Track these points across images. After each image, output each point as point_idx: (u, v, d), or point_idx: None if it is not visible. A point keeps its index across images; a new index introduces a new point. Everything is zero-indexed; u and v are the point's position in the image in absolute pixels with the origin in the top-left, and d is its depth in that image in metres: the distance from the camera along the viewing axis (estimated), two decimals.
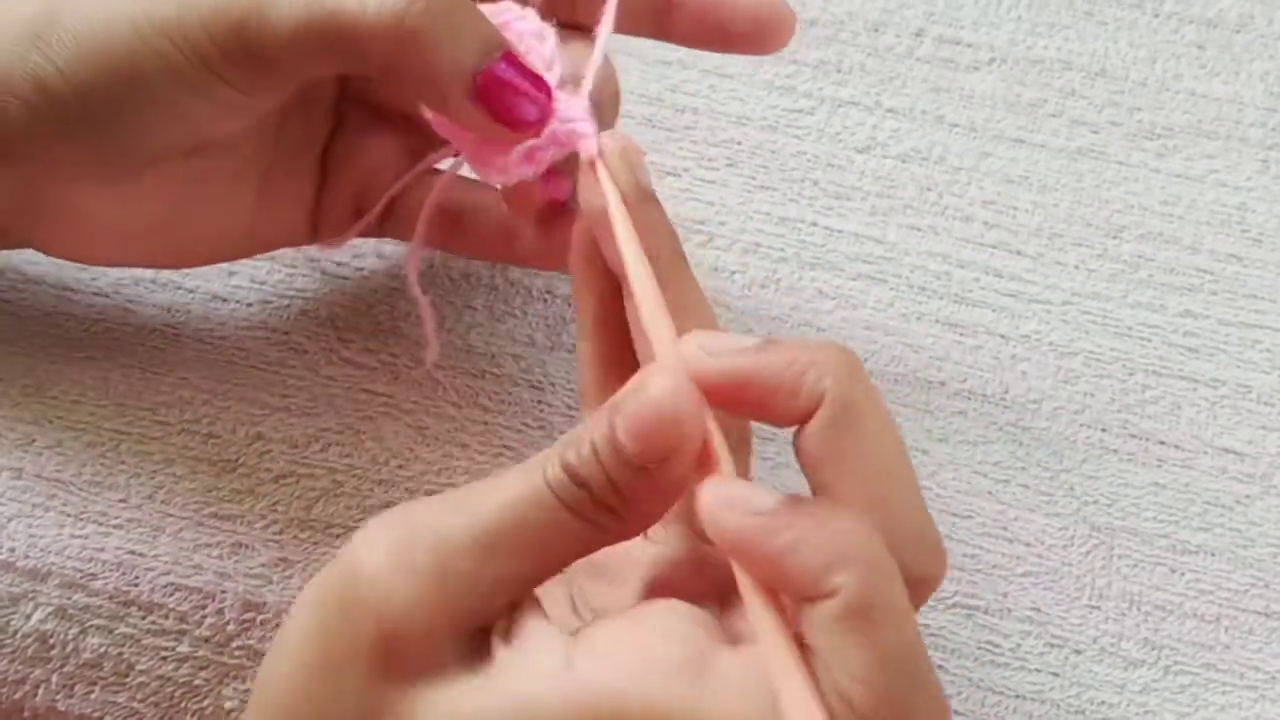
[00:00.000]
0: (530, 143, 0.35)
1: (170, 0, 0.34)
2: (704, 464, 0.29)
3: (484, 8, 0.36)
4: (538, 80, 0.35)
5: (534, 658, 0.29)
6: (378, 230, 0.42)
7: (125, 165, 0.36)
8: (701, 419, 0.29)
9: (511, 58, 0.34)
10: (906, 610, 0.28)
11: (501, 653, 0.29)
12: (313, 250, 0.44)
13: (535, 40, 0.35)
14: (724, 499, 0.28)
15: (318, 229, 0.41)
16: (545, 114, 0.34)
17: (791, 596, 0.28)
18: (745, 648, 0.29)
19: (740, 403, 0.30)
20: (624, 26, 0.38)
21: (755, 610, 0.28)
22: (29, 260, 0.43)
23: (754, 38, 0.39)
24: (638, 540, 0.33)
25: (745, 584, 0.29)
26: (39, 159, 0.36)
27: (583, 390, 0.37)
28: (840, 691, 0.27)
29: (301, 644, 0.30)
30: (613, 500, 0.29)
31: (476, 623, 0.30)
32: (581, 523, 0.29)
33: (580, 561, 0.32)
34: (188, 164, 0.37)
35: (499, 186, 0.38)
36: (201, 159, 0.37)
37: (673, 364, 0.30)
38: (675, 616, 0.30)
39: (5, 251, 0.43)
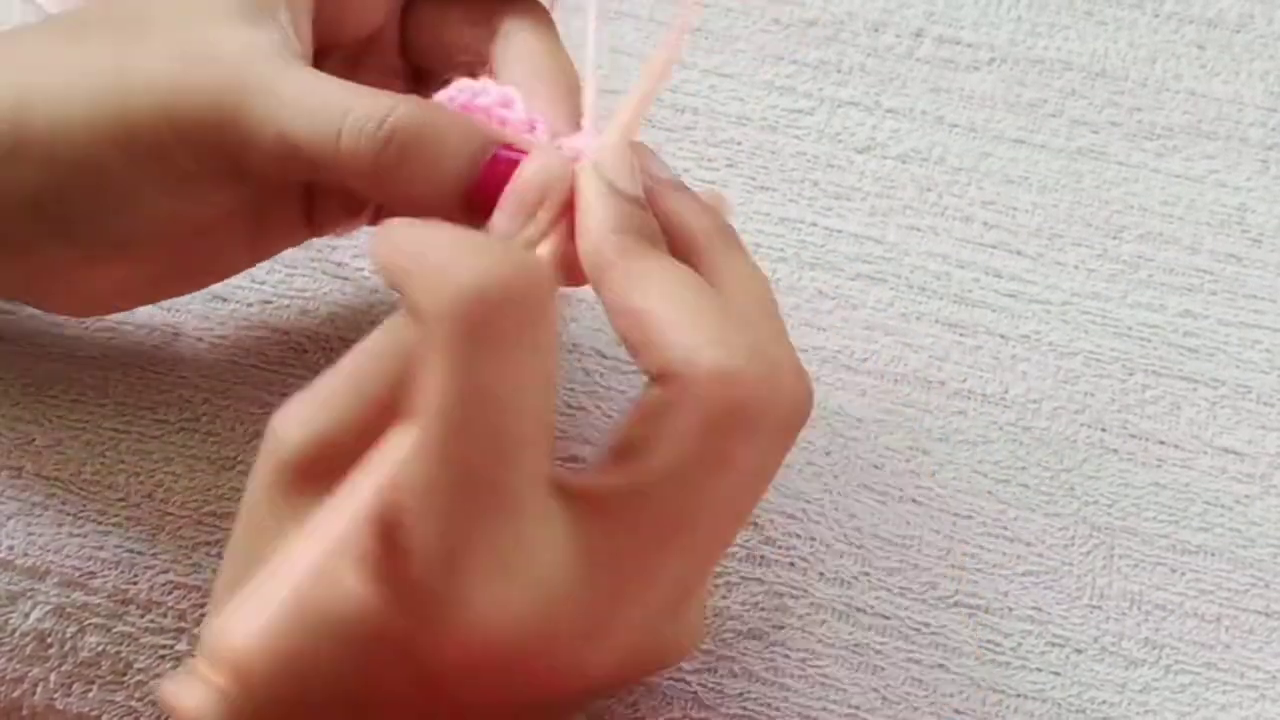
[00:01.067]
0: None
1: (142, 114, 0.33)
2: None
3: (440, 95, 0.34)
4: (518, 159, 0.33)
5: None
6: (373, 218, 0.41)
7: (113, 256, 0.36)
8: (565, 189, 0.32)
9: (502, 154, 0.33)
10: (759, 297, 0.32)
11: None
12: (317, 245, 0.44)
13: (504, 110, 0.34)
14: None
15: (314, 225, 0.40)
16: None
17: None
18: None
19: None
20: None
21: None
22: None
23: None
24: None
25: None
26: (27, 251, 0.35)
27: None
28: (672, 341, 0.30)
29: (237, 526, 0.31)
30: None
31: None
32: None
33: None
34: (178, 238, 0.36)
35: None
36: (191, 231, 0.37)
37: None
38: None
39: None
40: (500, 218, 0.32)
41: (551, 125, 0.34)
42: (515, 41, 0.36)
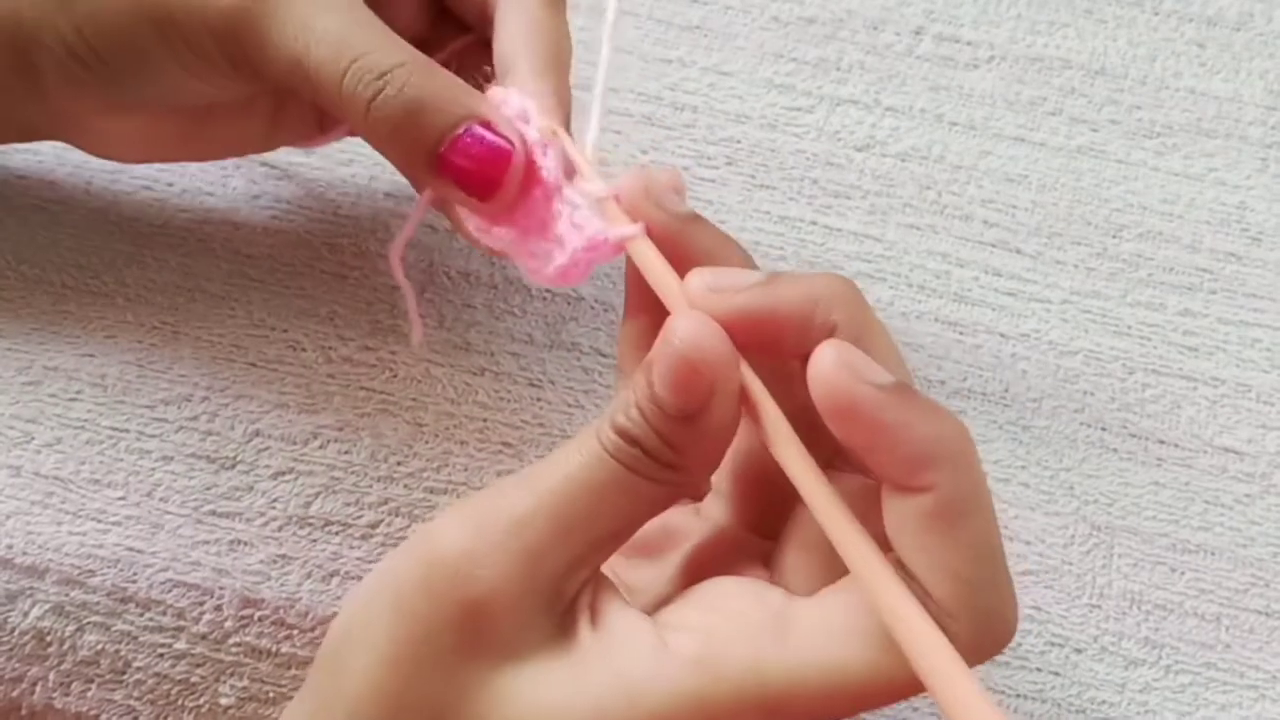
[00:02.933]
0: (561, 259, 0.35)
1: (177, 1, 0.36)
2: (747, 402, 0.30)
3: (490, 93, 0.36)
4: (501, 145, 0.35)
5: (628, 639, 0.30)
6: None
7: (142, 110, 0.39)
8: (730, 355, 0.30)
9: (474, 130, 0.35)
10: (992, 511, 0.29)
11: (589, 637, 0.30)
12: (318, 244, 0.44)
13: (519, 122, 0.35)
14: (845, 362, 0.29)
15: (327, 127, 0.42)
16: (506, 178, 0.35)
17: (887, 485, 0.29)
18: (819, 595, 0.30)
19: (753, 340, 0.31)
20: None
21: (837, 525, 0.29)
22: (29, 259, 0.43)
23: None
24: (675, 514, 0.34)
25: (819, 497, 0.29)
26: (66, 95, 0.38)
27: (620, 364, 0.37)
28: (927, 591, 0.28)
29: (380, 633, 0.30)
30: (667, 455, 0.30)
31: (561, 600, 0.31)
32: (645, 481, 0.30)
33: None
34: (200, 108, 0.39)
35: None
36: (212, 106, 0.39)
37: (688, 309, 0.31)
38: (743, 585, 0.31)
39: (3, 249, 0.43)
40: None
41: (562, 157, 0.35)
42: (520, 5, 0.37)
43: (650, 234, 0.33)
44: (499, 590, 0.30)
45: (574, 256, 0.34)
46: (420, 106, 0.34)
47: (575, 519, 0.30)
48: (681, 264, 0.33)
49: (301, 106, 0.41)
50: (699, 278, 0.31)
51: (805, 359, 0.29)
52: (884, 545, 0.29)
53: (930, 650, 0.27)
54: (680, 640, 0.30)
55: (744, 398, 0.30)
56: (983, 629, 0.28)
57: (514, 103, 0.36)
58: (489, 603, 0.30)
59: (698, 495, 0.34)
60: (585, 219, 0.34)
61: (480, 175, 0.35)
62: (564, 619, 0.31)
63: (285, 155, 0.46)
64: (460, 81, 0.35)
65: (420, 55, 0.35)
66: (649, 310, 0.35)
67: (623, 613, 0.31)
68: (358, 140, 0.44)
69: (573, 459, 0.31)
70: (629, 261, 0.34)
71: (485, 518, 0.30)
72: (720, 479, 0.34)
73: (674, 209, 0.34)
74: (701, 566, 0.33)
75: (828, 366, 0.28)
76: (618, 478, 0.30)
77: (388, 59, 0.35)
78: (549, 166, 0.35)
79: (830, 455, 0.32)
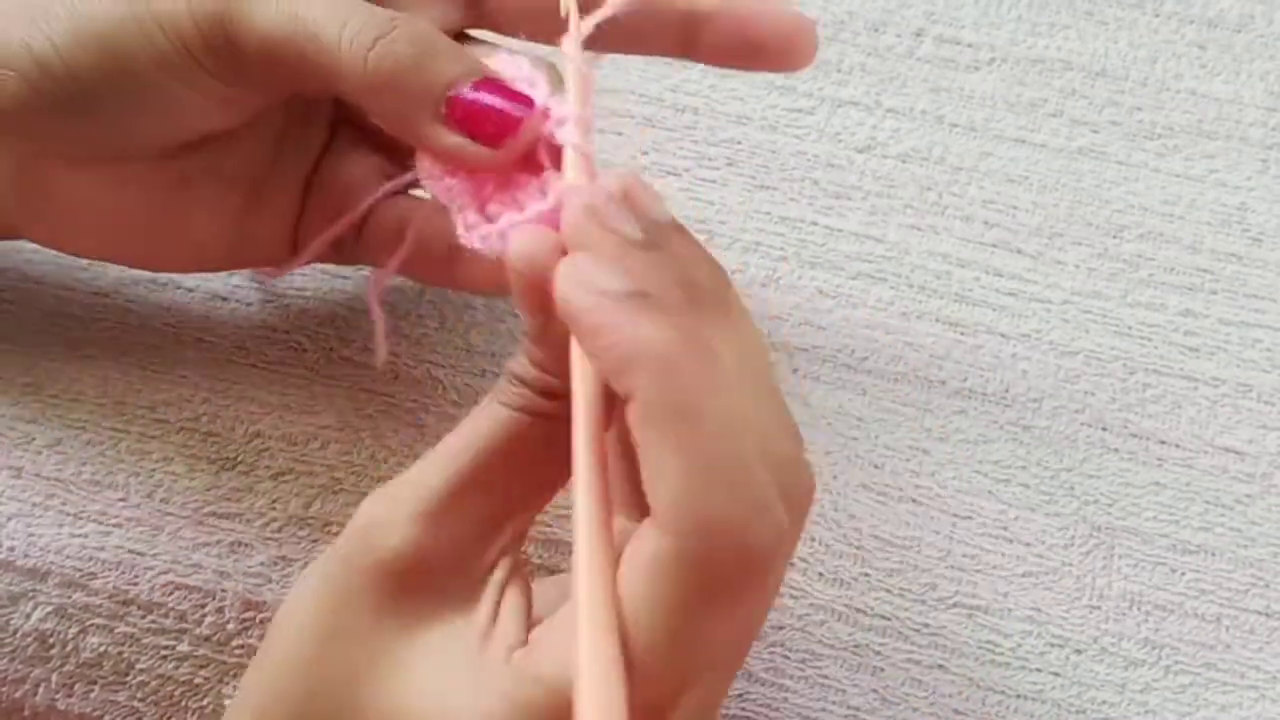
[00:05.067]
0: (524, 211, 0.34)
1: None
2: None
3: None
4: (517, 95, 0.34)
5: (494, 647, 0.30)
6: (351, 256, 0.40)
7: (115, 149, 0.36)
8: (553, 259, 0.30)
9: (488, 82, 0.34)
10: (717, 421, 0.28)
11: (483, 624, 0.31)
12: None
13: (526, 86, 0.34)
14: (574, 266, 0.29)
15: (298, 247, 0.40)
16: (523, 123, 0.34)
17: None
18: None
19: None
20: (650, 47, 0.38)
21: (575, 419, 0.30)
22: (29, 260, 0.43)
23: (783, 55, 0.38)
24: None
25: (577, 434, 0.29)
26: (32, 134, 0.36)
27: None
28: (653, 508, 0.28)
29: (303, 608, 0.31)
30: (542, 381, 0.31)
31: (473, 567, 0.31)
32: (535, 420, 0.31)
33: None
34: (179, 161, 0.37)
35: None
36: (194, 158, 0.37)
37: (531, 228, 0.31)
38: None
39: (5, 249, 0.43)
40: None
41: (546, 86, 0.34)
42: None
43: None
44: (404, 554, 0.30)
45: (544, 211, 0.33)
46: (430, 51, 0.34)
47: (474, 474, 0.31)
48: None
49: (274, 207, 0.39)
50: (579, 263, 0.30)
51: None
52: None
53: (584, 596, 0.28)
54: (521, 652, 0.30)
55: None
56: (700, 542, 0.27)
57: (525, 69, 0.35)
58: (395, 565, 0.30)
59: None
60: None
61: (493, 120, 0.34)
62: (471, 590, 0.31)
63: None
64: (462, 45, 0.35)
65: (412, 15, 0.35)
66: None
67: (512, 615, 0.31)
68: None
69: (473, 418, 0.32)
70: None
71: (395, 487, 0.31)
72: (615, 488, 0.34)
73: (659, 217, 0.32)
74: None
75: (557, 278, 0.29)
76: (506, 423, 0.31)
77: (388, 13, 0.34)
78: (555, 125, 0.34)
79: None
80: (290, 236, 0.40)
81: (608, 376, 0.29)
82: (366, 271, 0.44)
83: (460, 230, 0.34)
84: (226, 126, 0.37)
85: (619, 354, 0.28)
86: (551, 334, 0.31)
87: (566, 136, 0.33)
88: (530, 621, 0.31)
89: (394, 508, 0.31)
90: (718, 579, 0.28)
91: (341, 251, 0.40)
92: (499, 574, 0.32)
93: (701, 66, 0.49)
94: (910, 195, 0.48)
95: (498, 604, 0.31)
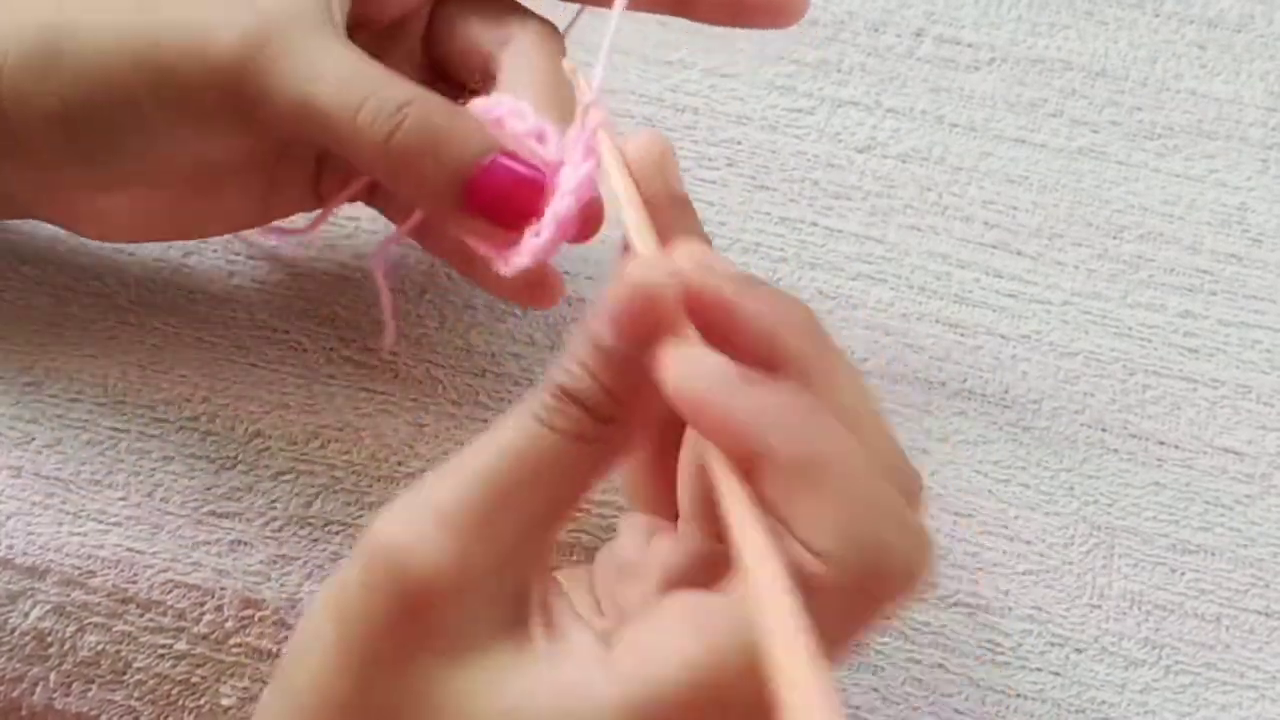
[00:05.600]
0: (537, 240, 0.34)
1: (172, 46, 0.35)
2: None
3: (475, 103, 0.35)
4: (534, 174, 0.34)
5: (576, 648, 0.29)
6: (369, 199, 0.41)
7: (131, 181, 0.37)
8: (678, 294, 0.29)
9: (501, 161, 0.34)
10: (859, 465, 0.28)
11: (540, 637, 0.29)
12: (319, 245, 0.44)
13: (516, 120, 0.35)
14: (684, 359, 0.28)
15: (323, 196, 0.41)
16: (541, 201, 0.34)
17: (748, 461, 0.28)
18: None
19: (705, 325, 0.30)
20: (645, 4, 0.38)
21: (718, 475, 0.28)
22: (29, 259, 0.43)
23: (774, 12, 0.39)
24: (665, 541, 0.34)
25: (712, 459, 0.29)
26: (48, 165, 0.37)
27: (630, 492, 0.37)
28: (803, 541, 0.28)
29: (328, 638, 0.29)
30: (607, 406, 0.29)
31: (507, 588, 0.29)
32: (581, 445, 0.29)
33: (607, 564, 0.33)
34: (194, 175, 0.38)
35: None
36: (205, 172, 0.38)
37: (653, 259, 0.30)
38: (691, 598, 0.30)
39: (6, 246, 0.43)
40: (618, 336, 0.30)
41: (557, 136, 0.35)
42: (520, 53, 0.37)
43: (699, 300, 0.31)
44: (433, 580, 0.28)
45: (549, 235, 0.34)
46: (443, 138, 0.34)
47: (508, 497, 0.29)
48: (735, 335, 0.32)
49: (296, 175, 0.40)
50: (689, 248, 0.31)
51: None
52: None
53: (770, 604, 0.26)
54: (620, 654, 0.29)
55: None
56: (860, 575, 0.28)
57: (506, 103, 0.35)
58: (426, 594, 0.28)
59: (628, 452, 0.31)
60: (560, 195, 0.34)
61: (511, 206, 0.34)
62: (515, 612, 0.30)
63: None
64: (477, 118, 0.35)
65: (432, 92, 0.35)
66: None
67: (572, 620, 0.30)
68: None
69: (504, 434, 0.29)
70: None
71: (417, 507, 0.29)
72: (686, 501, 0.34)
73: (674, 187, 0.33)
74: (675, 584, 0.33)
75: (664, 368, 0.29)
76: (551, 447, 0.29)
77: (403, 93, 0.34)
78: (552, 158, 0.34)
79: None
80: (313, 192, 0.41)
81: (734, 451, 0.28)
82: (367, 270, 0.44)
83: (498, 266, 0.35)
84: (245, 157, 0.38)
85: (746, 429, 0.28)
86: (636, 364, 0.29)
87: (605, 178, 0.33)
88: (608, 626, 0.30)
89: (416, 535, 0.29)
90: (883, 601, 0.28)
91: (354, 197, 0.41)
92: (538, 588, 0.30)
93: (701, 66, 0.49)
94: (910, 195, 0.48)
95: (547, 618, 0.30)
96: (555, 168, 0.34)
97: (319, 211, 0.42)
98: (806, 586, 0.27)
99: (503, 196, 0.34)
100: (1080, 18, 0.52)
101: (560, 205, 0.34)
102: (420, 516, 0.29)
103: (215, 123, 0.35)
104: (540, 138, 0.34)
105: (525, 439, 0.29)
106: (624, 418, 0.29)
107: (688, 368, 0.28)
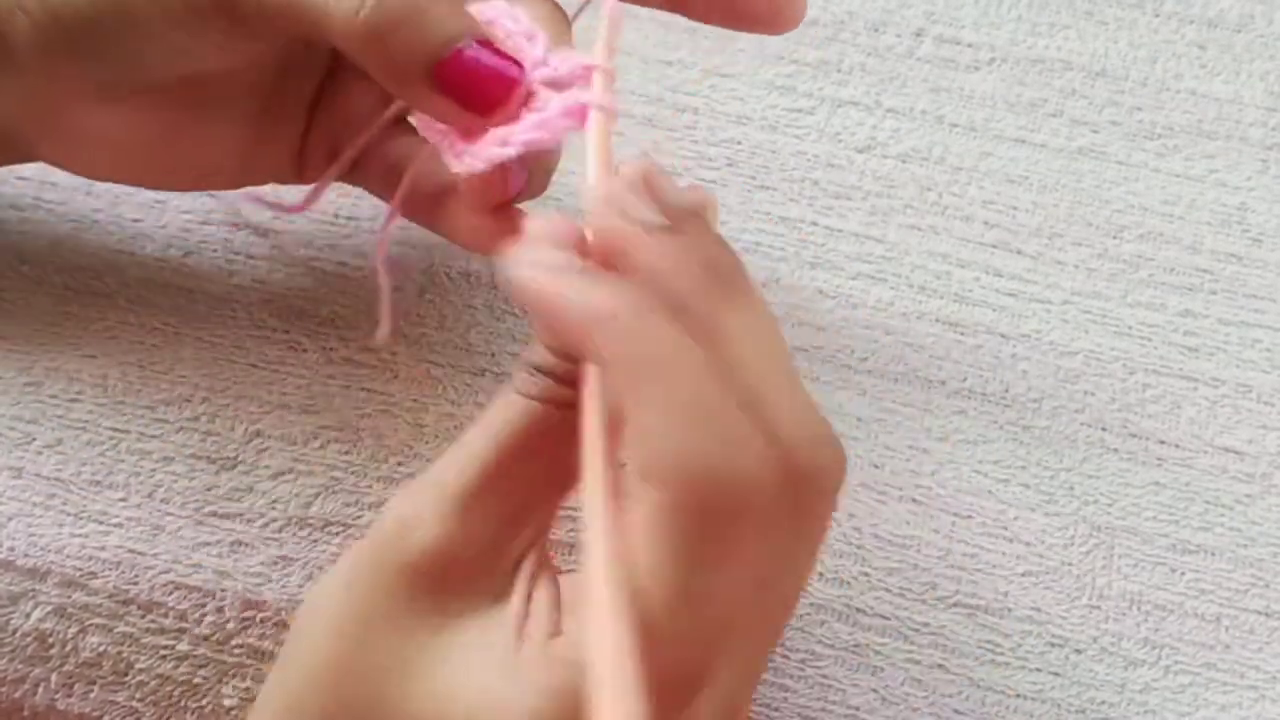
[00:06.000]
0: (499, 150, 0.34)
1: None
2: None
3: (470, 6, 0.35)
4: (508, 61, 0.34)
5: (536, 627, 0.30)
6: (350, 179, 0.41)
7: (121, 86, 0.37)
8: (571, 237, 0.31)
9: (481, 43, 0.34)
10: (695, 371, 0.29)
11: (519, 607, 0.31)
12: (318, 245, 0.44)
13: (524, 41, 0.35)
14: (528, 253, 0.30)
15: (302, 172, 0.41)
16: (517, 91, 0.34)
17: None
18: None
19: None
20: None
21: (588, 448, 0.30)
22: (30, 260, 0.43)
23: (769, 20, 0.39)
24: None
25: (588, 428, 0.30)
26: (43, 72, 0.37)
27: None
28: (636, 456, 0.29)
29: (334, 607, 0.31)
30: (568, 369, 0.31)
31: (502, 560, 0.31)
32: (556, 410, 0.31)
33: None
34: (185, 91, 0.38)
35: (463, 175, 0.36)
36: (199, 88, 0.38)
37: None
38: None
39: (6, 243, 0.43)
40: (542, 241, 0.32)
41: (547, 41, 0.35)
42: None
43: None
44: (434, 551, 0.30)
45: (530, 125, 0.33)
46: (419, 11, 0.34)
47: (497, 468, 0.31)
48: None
49: (283, 130, 0.40)
50: (613, 185, 0.31)
51: None
52: None
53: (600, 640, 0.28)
54: (556, 638, 0.30)
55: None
56: (682, 485, 0.28)
57: (501, 7, 0.35)
58: (426, 562, 0.30)
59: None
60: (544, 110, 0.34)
61: (483, 92, 0.34)
62: (506, 584, 0.31)
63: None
64: (458, 2, 0.35)
65: None
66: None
67: (546, 613, 0.31)
68: None
69: (491, 413, 0.32)
70: None
71: (421, 485, 0.31)
72: None
73: (647, 218, 0.33)
74: None
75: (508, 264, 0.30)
76: (531, 414, 0.31)
77: None
78: (536, 64, 0.34)
79: None
80: (295, 160, 0.41)
81: (577, 349, 0.30)
82: (367, 270, 0.44)
83: (448, 159, 0.35)
84: (229, 67, 0.38)
85: (577, 323, 0.29)
86: None
87: (590, 96, 0.33)
88: (562, 612, 0.31)
89: (421, 507, 0.31)
90: (709, 521, 0.28)
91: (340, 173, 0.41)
92: (528, 567, 0.32)
93: (701, 66, 0.49)
94: (910, 195, 0.48)
95: (529, 596, 0.31)
96: (537, 65, 0.34)
97: (313, 186, 0.41)
98: (634, 508, 0.28)
99: (475, 80, 0.34)
100: (1080, 18, 0.52)
101: (537, 119, 0.33)
102: (425, 493, 0.31)
103: (203, 17, 0.35)
104: (530, 38, 0.34)
105: (504, 412, 0.32)
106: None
107: (529, 260, 0.30)
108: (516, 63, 0.34)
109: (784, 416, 0.29)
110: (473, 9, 0.35)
